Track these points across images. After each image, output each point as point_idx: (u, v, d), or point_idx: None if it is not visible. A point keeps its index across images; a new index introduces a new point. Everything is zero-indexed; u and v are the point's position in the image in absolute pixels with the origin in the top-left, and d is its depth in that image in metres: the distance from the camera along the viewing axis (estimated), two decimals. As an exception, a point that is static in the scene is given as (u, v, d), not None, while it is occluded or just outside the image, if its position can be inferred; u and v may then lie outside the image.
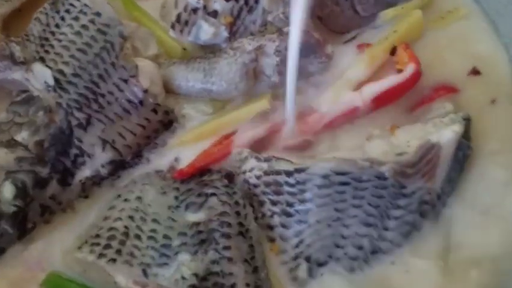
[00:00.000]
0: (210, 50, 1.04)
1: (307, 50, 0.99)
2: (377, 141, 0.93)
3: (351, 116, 0.99)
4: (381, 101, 0.98)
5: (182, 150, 1.00)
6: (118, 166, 0.99)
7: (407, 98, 1.01)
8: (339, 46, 1.03)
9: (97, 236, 0.93)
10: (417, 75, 0.97)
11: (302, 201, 0.90)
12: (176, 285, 0.84)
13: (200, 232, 0.89)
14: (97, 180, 0.98)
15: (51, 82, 0.97)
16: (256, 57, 0.98)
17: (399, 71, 0.98)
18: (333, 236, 0.89)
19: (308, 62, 1.00)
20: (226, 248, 0.87)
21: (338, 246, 0.89)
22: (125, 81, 0.98)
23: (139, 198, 0.95)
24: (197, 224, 0.90)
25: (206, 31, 1.02)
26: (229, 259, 0.87)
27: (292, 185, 0.90)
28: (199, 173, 0.97)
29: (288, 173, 0.90)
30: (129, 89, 0.97)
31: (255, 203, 0.93)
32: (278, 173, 0.91)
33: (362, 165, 0.87)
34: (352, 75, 1.00)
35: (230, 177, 0.96)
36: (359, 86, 1.00)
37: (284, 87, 0.98)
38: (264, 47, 0.98)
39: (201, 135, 1.00)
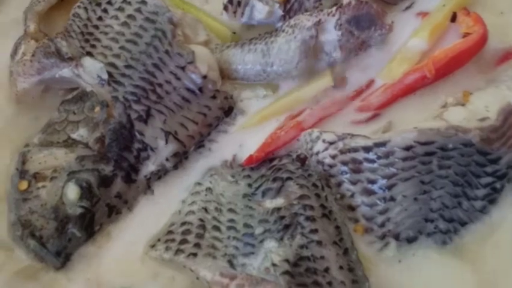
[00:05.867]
0: (262, 32, 1.00)
1: (367, 22, 0.95)
2: (455, 109, 0.89)
3: (417, 87, 0.95)
4: (448, 68, 0.95)
5: (246, 136, 0.96)
6: (182, 158, 0.94)
7: (472, 63, 0.97)
8: (397, 16, 0.99)
9: (170, 232, 0.88)
10: (484, 38, 0.94)
11: (385, 177, 0.86)
12: (267, 274, 0.79)
13: (282, 217, 0.84)
14: (162, 175, 0.93)
15: (105, 76, 0.92)
16: (316, 33, 0.93)
17: (466, 35, 0.94)
18: (421, 210, 0.86)
19: (368, 35, 0.96)
20: (313, 231, 0.83)
21: (427, 220, 0.86)
22: (183, 68, 0.93)
23: (209, 189, 0.91)
24: (278, 209, 0.85)
25: (260, 10, 0.98)
26: (318, 242, 0.82)
27: (372, 161, 0.86)
28: (268, 159, 0.92)
29: (367, 149, 0.86)
30: (187, 76, 0.93)
31: (331, 184, 0.89)
32: (355, 150, 0.87)
33: (447, 133, 0.84)
34: (414, 45, 0.96)
35: (302, 159, 0.92)
36: (421, 56, 0.96)
37: (346, 63, 0.95)
38: (323, 22, 0.94)
39: (264, 118, 0.96)
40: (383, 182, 0.86)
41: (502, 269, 0.84)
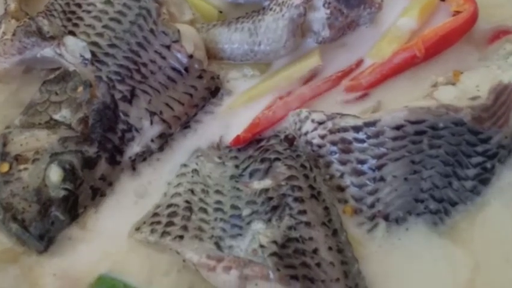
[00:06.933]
0: (250, 10, 0.98)
1: (356, 0, 0.93)
2: (445, 88, 0.87)
3: (407, 66, 0.94)
4: (438, 48, 0.94)
5: (233, 117, 0.94)
6: (167, 139, 0.92)
7: (461, 42, 0.96)
8: (386, -5, 0.97)
9: (156, 214, 0.86)
10: (475, 16, 0.93)
11: (375, 157, 0.84)
12: (255, 255, 0.78)
13: (270, 199, 0.83)
14: (147, 156, 0.91)
15: (88, 55, 0.90)
16: (304, 11, 0.91)
17: (456, 13, 0.93)
18: (412, 190, 0.84)
19: (357, 14, 0.94)
20: (302, 212, 0.81)
21: (417, 201, 0.84)
22: (168, 47, 0.91)
23: (195, 171, 0.89)
24: (265, 190, 0.83)
25: (247, -12, 0.96)
26: (307, 223, 0.81)
27: (362, 141, 0.85)
28: (255, 140, 0.91)
29: (357, 128, 0.85)
30: (172, 55, 0.91)
31: (320, 164, 0.88)
32: (345, 129, 0.85)
33: (438, 112, 0.82)
34: (403, 24, 0.95)
35: (290, 140, 0.90)
36: (411, 35, 0.95)
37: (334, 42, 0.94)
38: (312, 0, 0.91)
39: (252, 99, 0.94)
40: (372, 162, 0.84)
41: (492, 249, 0.83)
